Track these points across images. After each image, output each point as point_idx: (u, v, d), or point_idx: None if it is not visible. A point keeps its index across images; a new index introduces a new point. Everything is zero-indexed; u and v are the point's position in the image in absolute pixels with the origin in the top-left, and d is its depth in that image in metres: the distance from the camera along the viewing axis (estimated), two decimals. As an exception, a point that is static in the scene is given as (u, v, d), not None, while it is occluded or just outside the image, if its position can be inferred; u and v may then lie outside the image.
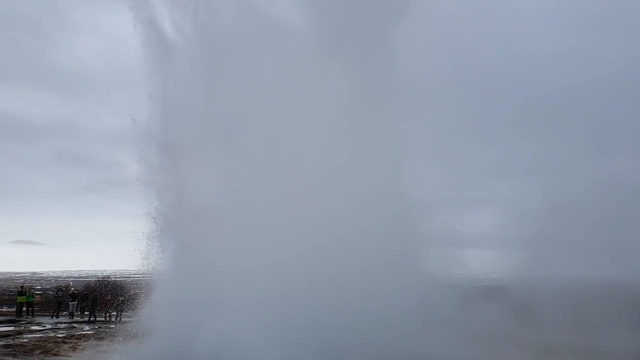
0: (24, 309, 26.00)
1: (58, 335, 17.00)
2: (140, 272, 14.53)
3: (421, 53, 14.27)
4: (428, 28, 14.49)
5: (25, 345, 14.32)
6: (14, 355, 12.76)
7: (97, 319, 24.73)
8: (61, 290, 28.76)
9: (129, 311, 15.87)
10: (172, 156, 14.25)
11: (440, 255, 13.84)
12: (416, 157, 14.16)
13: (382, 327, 11.21)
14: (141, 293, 14.24)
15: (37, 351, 13.50)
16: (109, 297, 26.55)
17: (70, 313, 26.05)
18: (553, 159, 18.25)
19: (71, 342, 15.29)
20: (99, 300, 26.25)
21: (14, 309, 27.25)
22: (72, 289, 30.43)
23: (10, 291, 42.88)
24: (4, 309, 29.96)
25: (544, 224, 16.76)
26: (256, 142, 13.28)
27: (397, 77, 13.90)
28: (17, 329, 19.14)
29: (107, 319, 24.93)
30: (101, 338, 16.50)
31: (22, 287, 27.84)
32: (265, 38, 13.87)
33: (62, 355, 13.16)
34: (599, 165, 17.86)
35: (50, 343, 14.98)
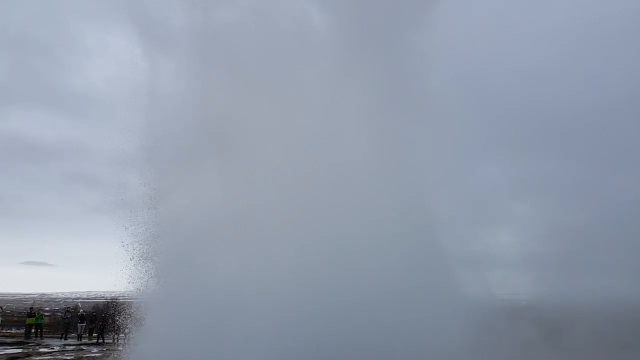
0: (33, 330, 25.98)
1: (66, 358, 16.90)
2: (144, 294, 14.32)
3: (436, 70, 14.28)
4: (445, 44, 14.52)
5: (33, 368, 14.26)
6: (21, 378, 12.69)
7: (105, 340, 24.60)
8: (69, 311, 28.72)
9: (136, 333, 15.76)
10: (159, 163, 13.63)
11: (461, 274, 13.64)
12: (431, 173, 14.03)
13: (406, 348, 10.96)
14: (144, 315, 14.05)
15: (45, 374, 13.43)
16: (117, 318, 26.43)
17: (78, 335, 25.96)
18: (567, 178, 18.05)
19: (79, 365, 15.20)
20: (107, 322, 26.13)
21: (23, 331, 27.25)
22: (81, 310, 30.38)
23: (20, 312, 42.87)
24: (12, 331, 29.92)
25: (558, 244, 16.51)
26: (260, 153, 13.05)
27: (413, 91, 13.86)
28: (26, 351, 19.06)
29: (115, 340, 24.78)
30: (109, 361, 16.38)
31: (31, 308, 27.85)
32: (275, 39, 13.60)
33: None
34: (614, 184, 17.64)
35: (58, 366, 14.90)
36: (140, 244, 13.41)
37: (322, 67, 13.64)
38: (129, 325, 24.63)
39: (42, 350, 19.69)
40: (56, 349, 20.31)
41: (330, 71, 13.67)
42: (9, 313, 39.96)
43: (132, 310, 14.78)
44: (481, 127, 16.53)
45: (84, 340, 24.95)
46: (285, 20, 13.88)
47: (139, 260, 13.41)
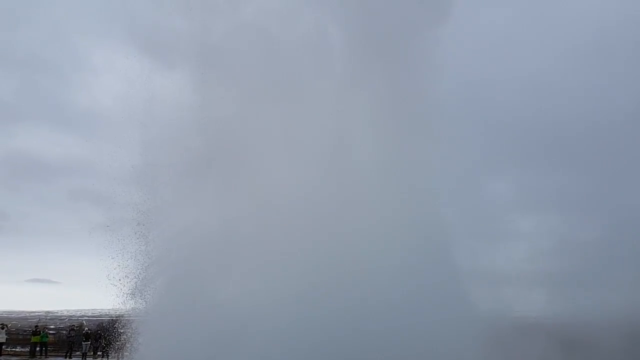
0: (38, 349, 25.81)
1: (70, 377, 16.72)
2: (146, 314, 13.88)
3: (445, 84, 14.22)
4: (454, 58, 14.49)
5: (36, 388, 14.06)
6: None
7: (110, 359, 24.35)
8: (74, 330, 28.58)
9: (139, 352, 15.58)
10: (159, 183, 13.28)
11: (472, 289, 13.41)
12: (440, 189, 13.87)
13: None
14: (147, 334, 13.71)
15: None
16: (121, 337, 26.14)
17: (83, 353, 25.74)
18: (573, 194, 17.86)
19: (83, 385, 14.99)
20: (111, 341, 25.85)
21: (28, 349, 27.06)
22: (86, 328, 30.19)
23: (24, 331, 42.62)
24: (17, 349, 29.72)
25: (570, 259, 16.28)
26: (264, 170, 12.85)
27: (422, 104, 13.78)
28: (30, 370, 18.92)
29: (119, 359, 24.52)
30: (113, 380, 16.15)
31: (36, 326, 27.74)
32: (281, 53, 13.50)
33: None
34: (625, 197, 17.41)
35: (62, 385, 14.70)
36: (128, 277, 13.02)
37: (330, 80, 13.58)
38: (133, 344, 24.36)
39: (46, 369, 19.54)
40: (60, 368, 20.17)
41: (338, 84, 13.61)
42: (14, 331, 39.71)
43: (136, 329, 14.53)
44: (490, 141, 16.47)
45: (88, 359, 24.73)
46: (293, 32, 13.81)
47: (135, 289, 13.00)
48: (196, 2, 13.97)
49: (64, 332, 37.17)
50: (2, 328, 26.47)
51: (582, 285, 16.16)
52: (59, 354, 26.86)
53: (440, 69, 14.00)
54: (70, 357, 25.15)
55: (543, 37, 18.26)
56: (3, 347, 26.72)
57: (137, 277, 12.98)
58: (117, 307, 14.59)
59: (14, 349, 29.53)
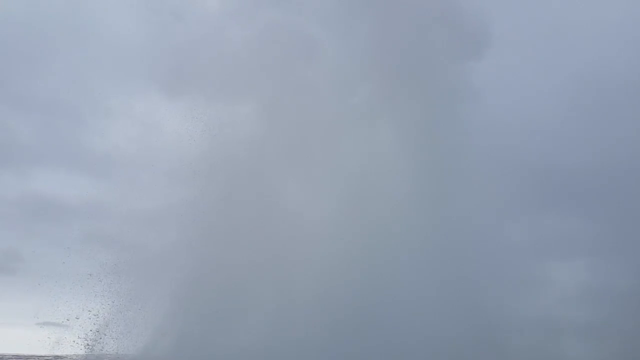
0: (46, 396, 25.17)
1: None
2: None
3: (464, 135, 14.18)
4: (471, 110, 14.50)
5: None
6: None
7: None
8: (82, 377, 27.87)
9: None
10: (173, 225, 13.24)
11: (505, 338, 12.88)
12: (469, 233, 13.55)
13: None
14: None
15: None
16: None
17: (91, 401, 24.99)
18: (602, 240, 17.43)
19: None
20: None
21: (35, 397, 26.38)
22: (95, 375, 29.45)
23: (32, 376, 41.79)
24: (25, 396, 29.00)
25: (596, 309, 15.68)
26: (285, 207, 12.66)
27: (447, 140, 13.69)
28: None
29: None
30: None
31: (44, 372, 27.11)
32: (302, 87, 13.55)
33: None
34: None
35: None
36: (141, 321, 12.77)
37: (355, 109, 13.53)
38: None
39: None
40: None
41: (363, 114, 13.56)
42: (21, 377, 38.89)
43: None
44: (518, 183, 16.27)
45: (97, 408, 23.94)
46: (318, 61, 13.87)
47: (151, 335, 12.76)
48: (203, 42, 14.31)
49: (73, 378, 36.37)
50: (11, 373, 25.90)
51: (615, 334, 15.49)
52: (67, 401, 26.12)
53: (467, 104, 13.98)
54: (78, 405, 24.42)
55: (570, 86, 18.33)
56: (10, 393, 26.06)
57: (150, 321, 12.70)
58: (130, 352, 14.25)
59: (21, 396, 28.80)
